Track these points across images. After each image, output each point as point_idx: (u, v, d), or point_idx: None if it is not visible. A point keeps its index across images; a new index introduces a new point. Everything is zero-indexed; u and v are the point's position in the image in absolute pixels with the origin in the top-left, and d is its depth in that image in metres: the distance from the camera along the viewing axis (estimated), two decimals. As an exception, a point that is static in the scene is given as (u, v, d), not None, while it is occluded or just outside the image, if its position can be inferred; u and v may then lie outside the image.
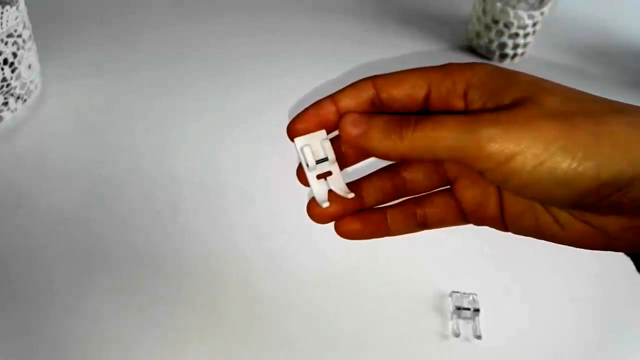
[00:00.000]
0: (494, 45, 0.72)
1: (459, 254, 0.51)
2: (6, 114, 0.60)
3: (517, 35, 0.71)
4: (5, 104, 0.60)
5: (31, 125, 0.61)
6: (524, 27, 0.70)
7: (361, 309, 0.48)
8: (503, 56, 0.73)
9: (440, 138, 0.23)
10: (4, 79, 0.58)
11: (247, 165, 0.59)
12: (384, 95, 0.26)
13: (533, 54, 0.75)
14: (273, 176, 0.57)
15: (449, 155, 0.23)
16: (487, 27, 0.71)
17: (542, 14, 0.69)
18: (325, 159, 0.27)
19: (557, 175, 0.22)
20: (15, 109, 0.61)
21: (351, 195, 0.27)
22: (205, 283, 0.49)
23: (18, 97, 0.61)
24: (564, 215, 0.25)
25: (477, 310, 0.47)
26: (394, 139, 0.24)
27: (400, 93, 0.26)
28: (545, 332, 0.47)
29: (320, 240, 0.52)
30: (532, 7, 0.74)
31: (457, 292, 0.48)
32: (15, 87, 0.60)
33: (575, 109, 0.22)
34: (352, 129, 0.25)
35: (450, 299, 0.48)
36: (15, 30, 0.57)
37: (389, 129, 0.24)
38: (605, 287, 0.50)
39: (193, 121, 0.63)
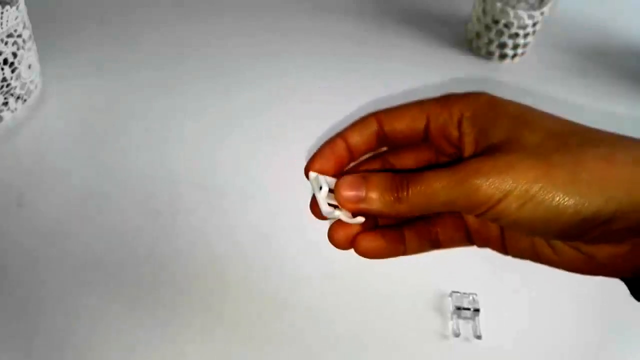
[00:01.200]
0: (494, 45, 0.72)
1: (459, 254, 0.51)
2: (6, 114, 0.60)
3: (517, 35, 0.71)
4: (5, 104, 0.60)
5: (31, 125, 0.61)
6: (524, 27, 0.70)
7: (361, 308, 0.48)
8: (503, 56, 0.73)
9: (433, 196, 0.24)
10: (4, 79, 0.58)
11: (247, 165, 0.59)
12: (387, 128, 0.28)
13: (533, 54, 0.75)
14: (273, 176, 0.58)
15: (444, 209, 0.25)
16: (487, 27, 0.71)
17: (542, 14, 0.69)
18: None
19: (540, 214, 0.23)
20: (15, 109, 0.61)
21: (360, 219, 0.27)
22: (205, 283, 0.49)
23: (18, 97, 0.61)
24: (556, 242, 0.26)
25: (477, 310, 0.47)
26: (392, 201, 0.25)
27: (401, 126, 0.28)
28: (545, 332, 0.47)
29: (320, 240, 0.52)
30: (532, 7, 0.74)
31: (457, 292, 0.48)
32: (15, 87, 0.60)
33: (555, 146, 0.24)
34: (349, 192, 0.26)
35: (450, 299, 0.48)
36: (15, 30, 0.57)
37: (385, 191, 0.25)
38: (605, 287, 0.50)
39: (193, 121, 0.63)
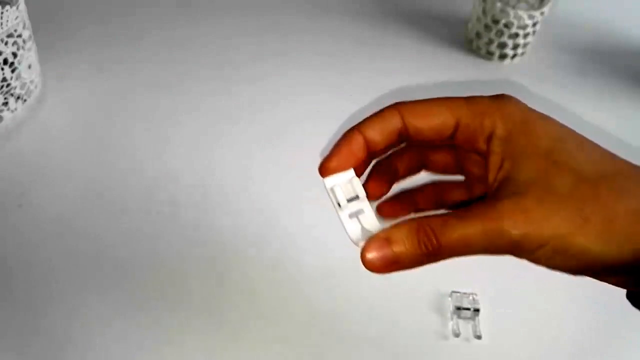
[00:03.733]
0: (494, 45, 0.72)
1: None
2: (6, 114, 0.60)
3: (517, 35, 0.71)
4: (5, 104, 0.60)
5: (31, 125, 0.61)
6: (524, 27, 0.70)
7: (361, 308, 0.48)
8: (503, 56, 0.73)
9: (466, 247, 0.24)
10: (4, 79, 0.58)
11: (247, 164, 0.59)
12: (411, 127, 0.27)
13: (533, 54, 0.75)
14: (273, 176, 0.58)
15: (479, 254, 0.24)
16: (487, 27, 0.71)
17: (542, 14, 0.69)
18: (356, 197, 0.26)
19: (571, 262, 0.24)
20: (15, 109, 0.61)
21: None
22: (205, 282, 0.49)
23: (18, 97, 0.61)
24: None
25: (477, 310, 0.47)
26: (423, 256, 0.24)
27: (428, 126, 0.27)
28: (545, 333, 0.47)
29: (320, 240, 0.52)
30: (532, 7, 0.74)
31: (457, 292, 0.48)
32: (15, 87, 0.60)
33: (586, 195, 0.24)
34: (378, 260, 0.25)
35: (450, 299, 0.48)
36: (15, 30, 0.57)
37: (413, 247, 0.24)
38: (605, 287, 0.50)
39: (193, 121, 0.63)
